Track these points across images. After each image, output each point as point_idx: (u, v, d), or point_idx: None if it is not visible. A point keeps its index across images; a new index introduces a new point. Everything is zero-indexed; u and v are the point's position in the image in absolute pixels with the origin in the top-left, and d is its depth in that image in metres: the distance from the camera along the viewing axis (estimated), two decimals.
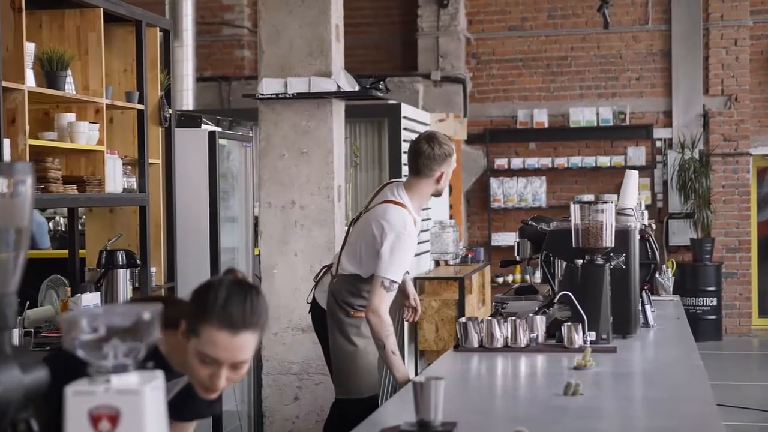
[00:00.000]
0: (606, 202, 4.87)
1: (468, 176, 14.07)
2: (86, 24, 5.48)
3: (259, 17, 6.81)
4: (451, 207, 13.20)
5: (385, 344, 4.96)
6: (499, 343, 4.63)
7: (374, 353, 5.21)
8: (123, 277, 5.77)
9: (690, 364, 4.33)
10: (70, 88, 5.29)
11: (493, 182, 14.06)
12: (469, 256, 11.39)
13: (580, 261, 4.81)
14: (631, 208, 5.60)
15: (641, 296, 5.49)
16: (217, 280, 2.73)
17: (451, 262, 10.84)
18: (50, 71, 5.12)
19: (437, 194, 5.23)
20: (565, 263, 4.96)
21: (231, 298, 2.65)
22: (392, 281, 4.92)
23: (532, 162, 13.98)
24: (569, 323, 4.64)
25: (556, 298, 4.82)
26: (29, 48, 4.97)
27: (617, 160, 13.76)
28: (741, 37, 13.79)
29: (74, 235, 6.11)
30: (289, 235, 6.70)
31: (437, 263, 10.91)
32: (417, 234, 5.11)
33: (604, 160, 13.75)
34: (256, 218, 7.39)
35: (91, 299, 5.37)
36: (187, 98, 11.22)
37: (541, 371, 4.25)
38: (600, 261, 4.83)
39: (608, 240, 4.81)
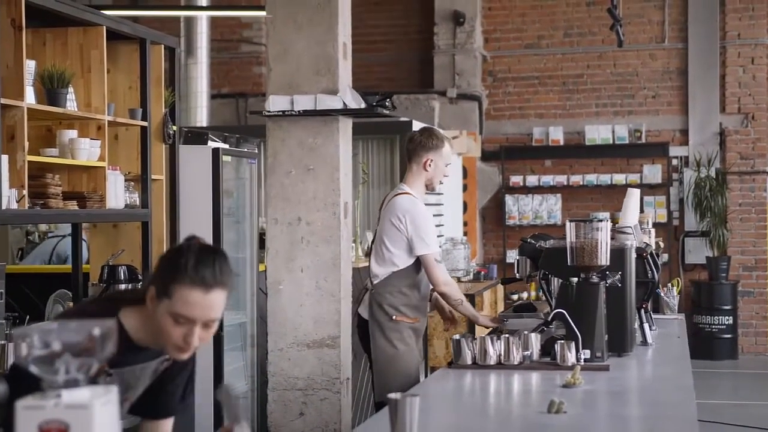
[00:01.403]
0: (601, 221, 4.88)
1: (483, 193, 14.09)
2: (89, 42, 5.55)
3: (268, 35, 6.85)
4: (465, 224, 13.22)
5: (462, 299, 5.62)
6: (492, 361, 4.65)
7: (414, 360, 5.58)
8: None
9: (679, 384, 4.32)
10: (71, 105, 5.35)
11: (509, 199, 14.07)
12: (482, 273, 11.39)
13: (575, 279, 4.83)
14: (630, 227, 5.61)
15: (639, 314, 5.50)
16: (185, 245, 2.86)
17: (464, 279, 10.85)
18: (51, 88, 5.18)
19: (429, 184, 5.72)
20: (560, 281, 4.98)
21: (201, 259, 2.79)
22: (439, 252, 5.56)
23: (548, 179, 13.98)
24: (562, 341, 4.65)
25: (550, 316, 4.83)
26: (30, 65, 5.04)
27: (633, 178, 13.73)
28: (758, 55, 13.76)
29: (77, 250, 6.17)
30: (295, 252, 6.72)
31: None
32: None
33: (619, 178, 13.72)
34: (260, 234, 7.42)
35: None
36: (201, 115, 11.29)
37: (530, 389, 4.27)
38: (595, 279, 4.84)
39: (603, 258, 4.82)
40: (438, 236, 10.62)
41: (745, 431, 9.27)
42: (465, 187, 13.39)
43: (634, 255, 5.17)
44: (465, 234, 13.01)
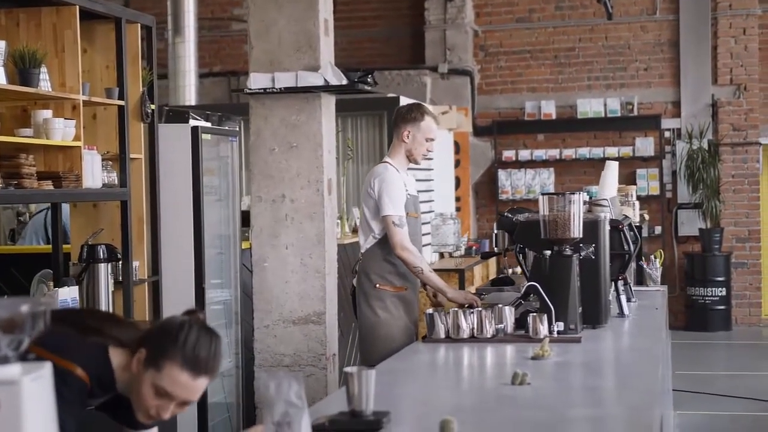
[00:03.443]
0: (573, 194, 4.89)
1: (476, 168, 14.09)
2: (62, 22, 5.54)
3: (249, 13, 6.84)
4: (458, 199, 13.23)
5: (422, 268, 5.60)
6: (465, 334, 4.67)
7: (397, 327, 5.65)
8: (104, 271, 5.84)
9: (648, 354, 4.34)
10: (45, 85, 5.35)
11: (501, 174, 14.07)
12: (473, 248, 11.40)
13: (548, 252, 4.84)
14: (606, 199, 5.62)
15: (616, 286, 5.51)
16: (186, 321, 2.86)
17: (455, 255, 10.88)
18: (23, 68, 5.18)
19: (410, 156, 5.81)
20: (533, 254, 5.00)
21: (200, 342, 2.80)
22: (399, 216, 5.57)
23: (540, 153, 13.98)
24: (534, 314, 4.66)
25: (523, 289, 4.85)
26: (0, 46, 5.04)
27: (625, 150, 13.73)
28: (750, 26, 13.73)
29: (57, 230, 6.19)
30: (279, 229, 6.73)
31: (441, 255, 10.95)
32: (404, 183, 5.73)
33: (612, 151, 13.71)
34: (243, 212, 7.44)
35: (68, 293, 5.46)
36: (189, 93, 11.27)
37: (499, 362, 4.28)
38: (568, 251, 4.85)
39: (576, 231, 4.83)
40: (428, 212, 10.65)
41: (739, 402, 9.30)
42: (458, 163, 13.39)
43: (608, 227, 5.17)
44: (458, 209, 13.03)
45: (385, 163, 5.82)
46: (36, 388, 1.96)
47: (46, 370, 2.01)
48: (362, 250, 5.85)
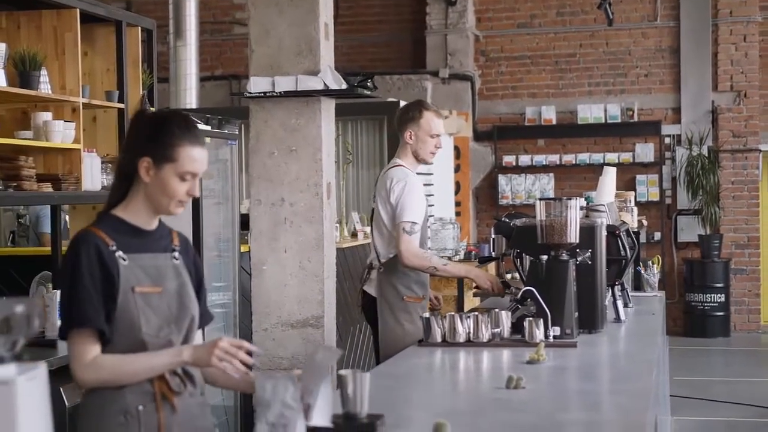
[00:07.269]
0: (570, 199, 4.91)
1: (476, 173, 14.12)
2: (63, 24, 5.58)
3: (249, 17, 6.86)
4: (459, 204, 13.26)
5: (435, 266, 5.59)
6: (462, 338, 4.67)
7: (419, 337, 5.54)
8: None
9: (642, 359, 4.36)
10: (45, 88, 5.38)
11: (502, 179, 14.09)
12: (473, 252, 11.40)
13: (545, 257, 4.85)
14: (604, 205, 5.63)
15: (612, 292, 5.53)
16: (160, 114, 3.27)
17: (454, 259, 10.87)
18: (23, 71, 5.21)
19: (416, 157, 5.76)
20: (530, 259, 5.01)
21: (186, 122, 3.18)
22: (412, 223, 5.51)
23: (540, 159, 14.00)
24: (531, 318, 4.68)
25: (520, 294, 4.86)
26: (0, 48, 5.07)
27: (625, 156, 13.75)
28: (750, 32, 13.76)
29: (57, 232, 6.21)
30: (278, 232, 6.74)
31: None
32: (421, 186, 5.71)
33: (612, 157, 13.73)
34: (242, 215, 7.45)
35: None
36: (190, 97, 11.27)
37: (495, 366, 4.30)
38: (565, 257, 4.86)
39: (572, 236, 4.85)
40: (429, 216, 10.66)
41: (737, 408, 9.31)
42: (458, 168, 13.42)
43: (604, 233, 5.18)
44: (458, 214, 13.05)
45: (401, 167, 5.73)
46: (31, 387, 1.98)
47: (40, 370, 2.03)
48: (382, 259, 5.76)
